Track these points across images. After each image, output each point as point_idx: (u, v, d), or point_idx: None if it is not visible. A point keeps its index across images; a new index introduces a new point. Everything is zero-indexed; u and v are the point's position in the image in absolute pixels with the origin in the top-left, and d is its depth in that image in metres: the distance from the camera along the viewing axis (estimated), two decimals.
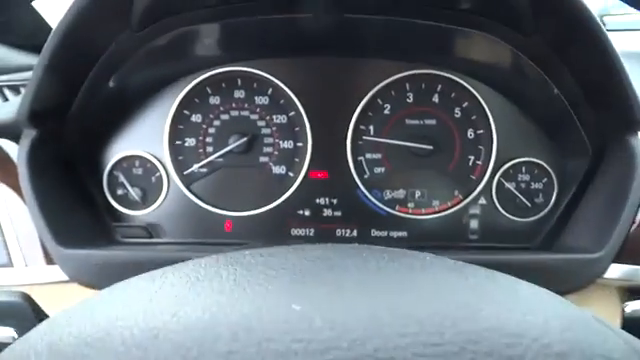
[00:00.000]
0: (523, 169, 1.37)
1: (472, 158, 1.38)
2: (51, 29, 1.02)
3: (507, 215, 1.37)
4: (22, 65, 1.49)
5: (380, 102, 1.38)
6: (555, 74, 1.17)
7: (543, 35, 1.07)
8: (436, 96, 1.38)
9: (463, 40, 1.25)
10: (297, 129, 1.38)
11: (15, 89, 1.40)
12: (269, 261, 0.47)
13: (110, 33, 1.09)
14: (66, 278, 1.10)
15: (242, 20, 1.20)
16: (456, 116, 1.38)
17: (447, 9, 1.12)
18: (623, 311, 1.16)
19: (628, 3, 1.01)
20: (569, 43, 1.06)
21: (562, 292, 1.11)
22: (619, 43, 1.02)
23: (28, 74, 1.14)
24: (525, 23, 1.05)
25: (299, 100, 1.36)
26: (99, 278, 1.09)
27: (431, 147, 1.36)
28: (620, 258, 1.12)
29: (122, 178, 1.35)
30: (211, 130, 1.37)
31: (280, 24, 1.27)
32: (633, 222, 1.13)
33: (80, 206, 1.27)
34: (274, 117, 1.38)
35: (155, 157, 1.36)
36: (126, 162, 1.36)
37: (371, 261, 0.47)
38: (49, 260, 1.13)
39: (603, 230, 1.15)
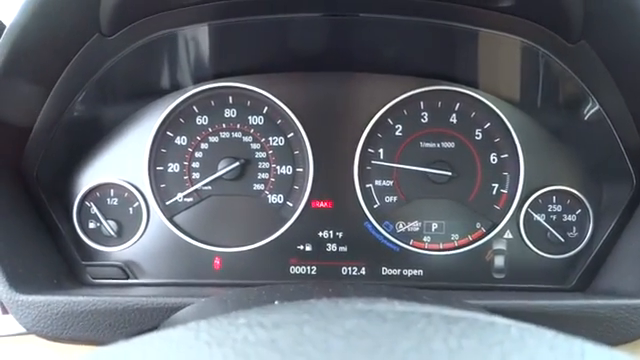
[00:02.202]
0: (554, 199, 1.22)
1: (496, 186, 1.22)
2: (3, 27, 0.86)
3: (537, 251, 1.21)
4: None
5: (391, 122, 1.23)
6: (599, 88, 1.03)
7: (592, 42, 0.92)
8: (454, 115, 1.23)
9: (490, 48, 1.11)
10: (296, 152, 1.23)
11: None
12: (276, 339, 0.30)
13: (76, 36, 0.93)
14: (23, 330, 0.95)
15: (233, 24, 1.05)
16: (477, 138, 1.23)
17: (483, 7, 0.97)
18: None
19: None
20: (621, 52, 0.91)
21: (610, 343, 0.96)
22: None
23: None
24: (573, 27, 0.90)
25: (299, 120, 1.21)
26: (63, 329, 0.94)
27: (449, 173, 1.21)
28: None
29: (95, 209, 1.19)
30: (198, 154, 1.22)
31: (278, 30, 1.13)
32: None
33: (43, 243, 1.10)
34: (270, 139, 1.23)
35: (133, 185, 1.20)
36: (99, 191, 1.20)
37: (434, 338, 0.31)
38: (3, 309, 0.99)
39: None
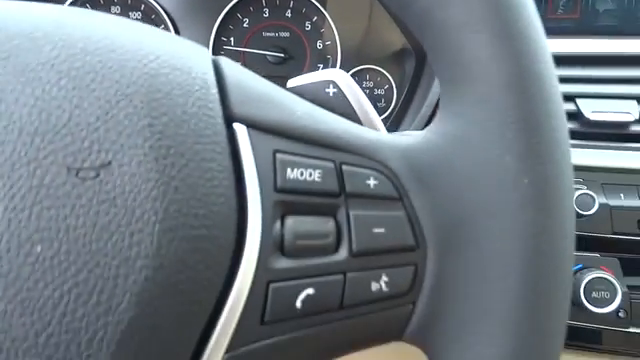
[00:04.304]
0: (367, 76, 1.56)
1: (321, 66, 1.56)
2: None
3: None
4: None
5: (240, 16, 1.56)
6: None
7: None
8: (289, 11, 1.56)
9: None
10: None
11: None
12: None
13: None
14: None
15: None
16: (307, 29, 1.56)
17: None
18: None
19: None
20: None
21: None
22: None
23: None
24: None
25: (167, 15, 1.54)
26: None
27: (283, 55, 1.54)
28: None
29: None
30: None
31: None
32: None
33: None
34: None
35: None
36: None
37: None
38: None
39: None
